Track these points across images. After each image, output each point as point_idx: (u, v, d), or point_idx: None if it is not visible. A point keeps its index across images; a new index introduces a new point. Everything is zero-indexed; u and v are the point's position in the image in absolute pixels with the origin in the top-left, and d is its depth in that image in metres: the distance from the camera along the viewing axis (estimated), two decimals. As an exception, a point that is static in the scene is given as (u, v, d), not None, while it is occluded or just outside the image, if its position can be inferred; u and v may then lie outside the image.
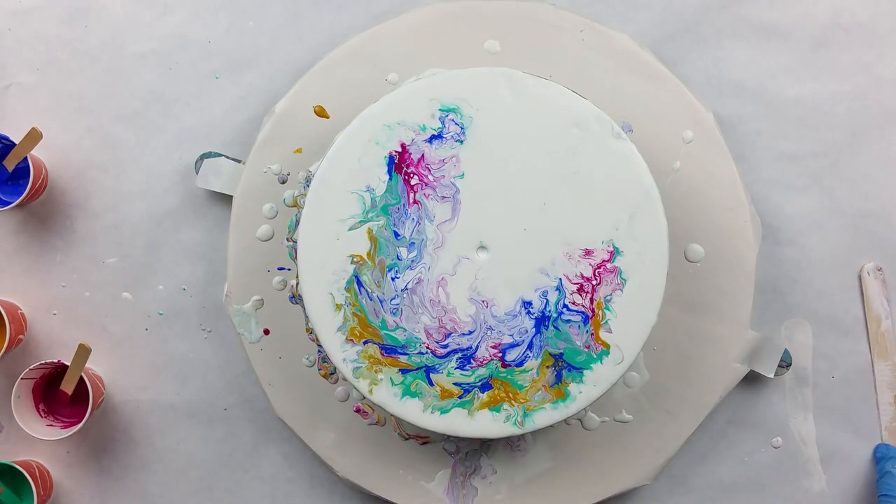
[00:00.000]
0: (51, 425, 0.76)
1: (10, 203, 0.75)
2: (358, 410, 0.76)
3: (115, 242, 0.79)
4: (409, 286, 0.67)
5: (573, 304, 0.67)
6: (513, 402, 0.67)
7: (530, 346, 0.67)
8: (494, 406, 0.67)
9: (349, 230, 0.67)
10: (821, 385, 0.78)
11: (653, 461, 0.75)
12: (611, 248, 0.67)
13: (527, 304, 0.67)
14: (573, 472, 0.75)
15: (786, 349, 0.75)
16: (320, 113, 0.76)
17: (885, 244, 0.78)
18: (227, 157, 0.77)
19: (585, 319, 0.67)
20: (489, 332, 0.67)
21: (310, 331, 0.75)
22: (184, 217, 0.79)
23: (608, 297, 0.67)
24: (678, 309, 0.75)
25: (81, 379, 0.74)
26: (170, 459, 0.79)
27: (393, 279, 0.67)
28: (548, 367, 0.67)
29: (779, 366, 0.75)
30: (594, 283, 0.67)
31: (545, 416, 0.67)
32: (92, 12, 0.80)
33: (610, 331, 0.67)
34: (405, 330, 0.67)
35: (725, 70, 0.78)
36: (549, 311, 0.67)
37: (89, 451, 0.79)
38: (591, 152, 0.67)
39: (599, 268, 0.67)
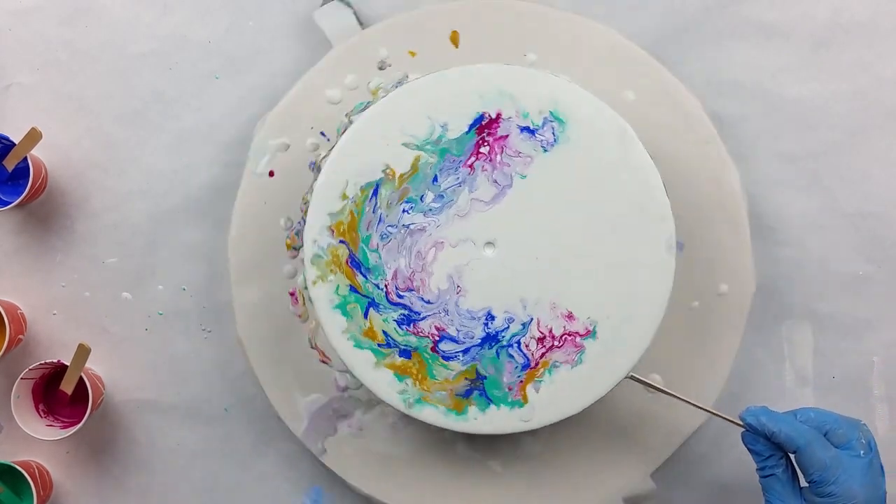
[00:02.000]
0: (50, 425, 0.76)
1: (10, 203, 0.75)
2: (293, 294, 0.76)
3: (115, 242, 0.79)
4: (410, 226, 0.67)
5: (526, 346, 0.67)
6: (416, 383, 0.67)
7: (466, 352, 0.67)
8: (400, 374, 0.67)
9: (402, 144, 0.67)
10: (821, 385, 0.78)
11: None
12: (590, 327, 0.67)
13: (490, 317, 0.67)
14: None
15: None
16: (454, 39, 0.75)
17: (885, 244, 0.78)
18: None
19: (525, 366, 0.67)
20: (442, 315, 0.67)
21: (305, 200, 0.74)
22: (184, 217, 0.79)
23: (556, 364, 0.67)
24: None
25: (81, 379, 0.74)
26: (170, 459, 0.79)
27: (404, 211, 0.67)
28: (466, 378, 0.67)
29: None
30: (555, 343, 0.67)
31: (432, 414, 0.67)
32: (92, 12, 0.80)
33: (537, 391, 0.67)
34: (379, 257, 0.67)
35: (725, 70, 0.78)
36: (503, 337, 0.67)
37: (89, 451, 0.79)
38: (637, 242, 0.67)
39: (570, 335, 0.67)
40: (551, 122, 0.67)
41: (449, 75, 0.68)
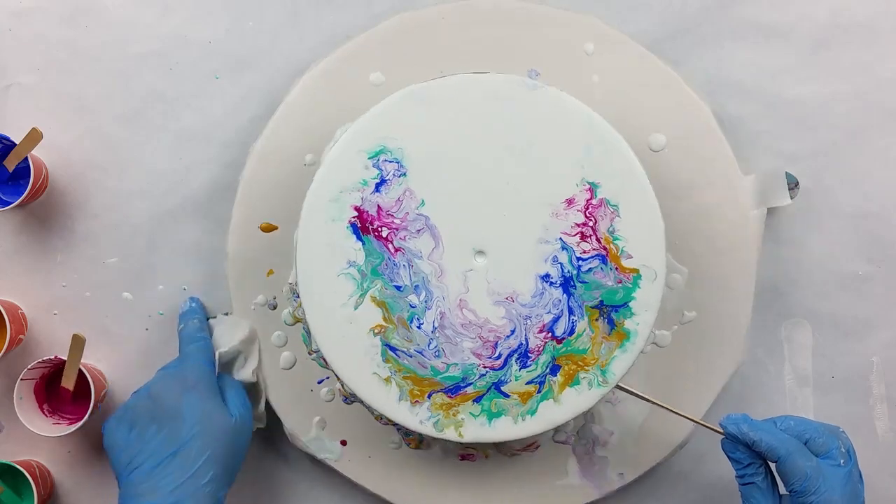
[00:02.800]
0: (57, 423, 0.76)
1: (11, 203, 0.75)
2: (465, 457, 0.76)
3: (115, 242, 0.79)
4: (436, 325, 0.67)
5: (584, 252, 0.68)
6: (585, 367, 0.67)
7: (570, 311, 0.67)
8: (572, 381, 0.67)
9: (356, 309, 0.68)
10: (821, 385, 0.78)
11: (737, 336, 0.75)
12: (586, 186, 0.68)
13: (545, 278, 0.67)
14: (676, 390, 0.74)
15: (786, 171, 0.75)
16: (268, 228, 0.76)
17: (885, 244, 0.78)
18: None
19: (603, 259, 0.68)
20: (529, 322, 0.67)
21: (379, 417, 0.75)
22: (184, 217, 0.79)
23: (611, 229, 0.68)
24: (672, 198, 0.75)
25: (82, 373, 0.74)
26: (170, 459, 0.79)
27: (419, 327, 0.68)
28: (596, 319, 0.68)
29: (790, 189, 0.75)
30: (591, 223, 0.68)
31: (621, 362, 0.68)
32: (92, 12, 0.80)
33: (630, 255, 0.68)
34: (457, 364, 0.67)
35: (725, 70, 0.78)
36: (568, 271, 0.68)
37: (90, 451, 0.79)
38: (519, 113, 0.68)
39: (587, 208, 0.68)
40: (377, 160, 0.68)
41: (301, 245, 0.68)
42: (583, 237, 0.68)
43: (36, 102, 0.79)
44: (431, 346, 0.67)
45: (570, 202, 0.68)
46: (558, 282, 0.68)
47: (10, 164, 0.75)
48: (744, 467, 0.65)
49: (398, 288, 0.68)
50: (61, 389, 0.75)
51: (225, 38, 0.80)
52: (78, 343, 0.73)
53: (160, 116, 0.80)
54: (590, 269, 0.68)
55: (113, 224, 0.79)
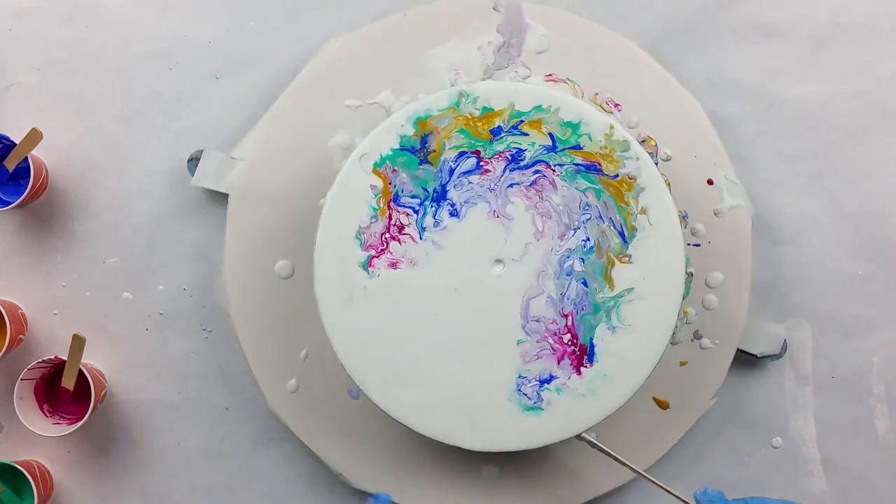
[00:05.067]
0: (57, 423, 0.76)
1: (11, 203, 0.75)
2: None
3: (115, 242, 0.79)
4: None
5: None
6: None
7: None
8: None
9: None
10: (821, 385, 0.78)
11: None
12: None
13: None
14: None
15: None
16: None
17: (885, 244, 0.78)
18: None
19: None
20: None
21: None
22: (184, 217, 0.79)
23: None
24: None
25: (82, 373, 0.74)
26: (170, 459, 0.79)
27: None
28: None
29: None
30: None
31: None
32: (92, 12, 0.80)
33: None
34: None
35: (725, 70, 0.78)
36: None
37: (90, 451, 0.79)
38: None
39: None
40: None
41: None
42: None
43: (36, 102, 0.80)
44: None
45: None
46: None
47: (10, 164, 0.75)
48: None
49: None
50: (61, 389, 0.75)
51: (225, 38, 0.80)
52: (78, 343, 0.73)
53: (160, 116, 0.80)
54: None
55: (113, 224, 0.79)
